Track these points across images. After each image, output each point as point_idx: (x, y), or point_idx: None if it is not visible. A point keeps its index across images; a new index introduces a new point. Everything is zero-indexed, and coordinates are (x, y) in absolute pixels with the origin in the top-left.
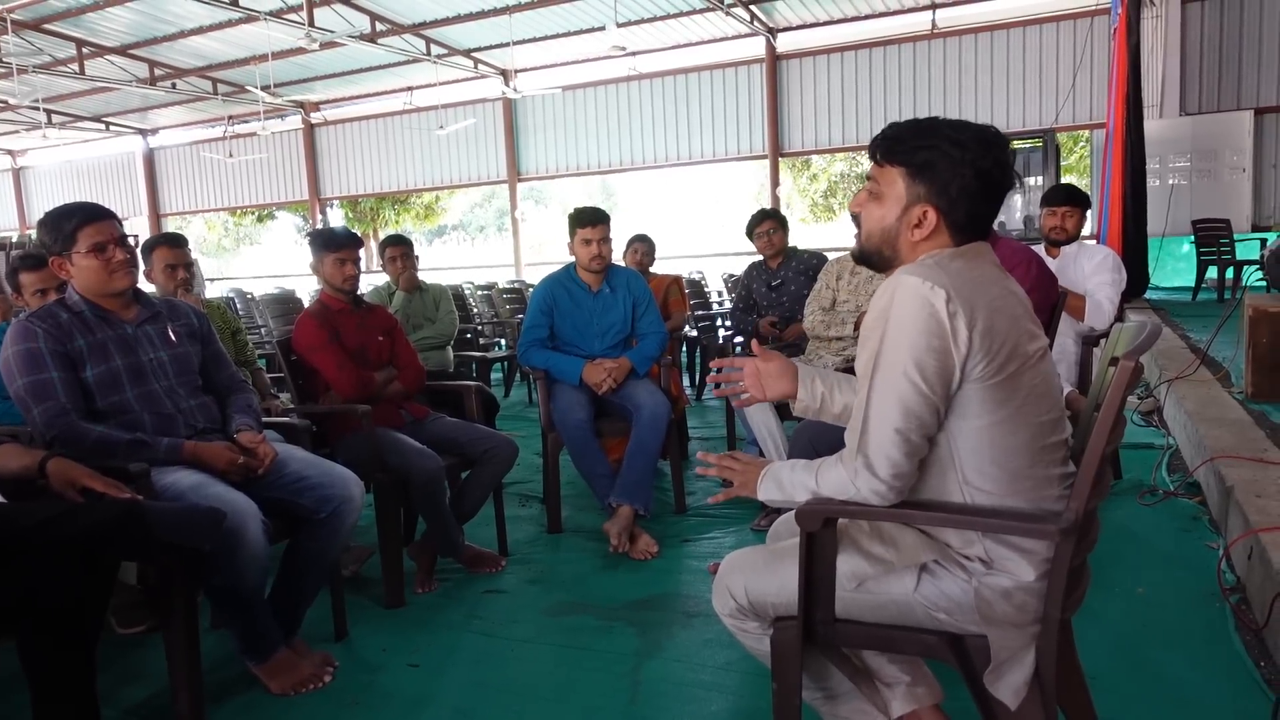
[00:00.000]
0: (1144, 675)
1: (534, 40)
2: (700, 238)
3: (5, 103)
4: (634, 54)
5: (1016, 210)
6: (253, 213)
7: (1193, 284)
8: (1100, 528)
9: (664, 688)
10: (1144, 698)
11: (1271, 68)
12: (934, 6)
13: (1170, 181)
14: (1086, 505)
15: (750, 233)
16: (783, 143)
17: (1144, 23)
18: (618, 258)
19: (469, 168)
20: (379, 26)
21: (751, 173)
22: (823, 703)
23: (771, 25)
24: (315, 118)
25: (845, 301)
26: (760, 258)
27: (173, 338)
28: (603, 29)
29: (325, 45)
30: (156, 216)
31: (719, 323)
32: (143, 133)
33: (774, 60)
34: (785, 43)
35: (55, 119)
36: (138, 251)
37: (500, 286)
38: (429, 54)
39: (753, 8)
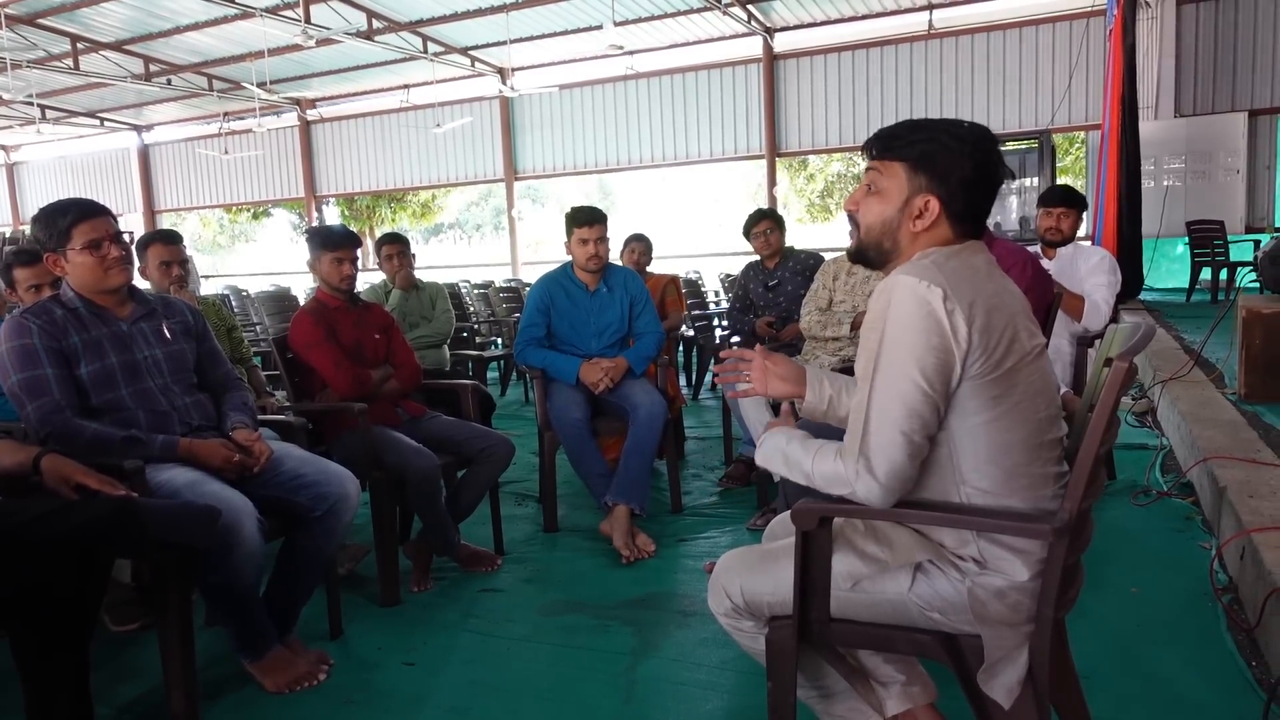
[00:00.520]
0: (1137, 674)
1: (531, 39)
2: (697, 237)
3: None
4: (631, 53)
5: (1012, 211)
6: (248, 210)
7: (1187, 285)
8: (1094, 528)
9: (660, 686)
10: (1137, 697)
11: (1266, 70)
12: (930, 7)
13: (1165, 183)
14: (1080, 505)
15: (747, 233)
16: (780, 142)
17: (1139, 24)
18: (615, 257)
19: (465, 166)
20: (375, 24)
21: (748, 172)
22: (818, 701)
23: (769, 25)
24: (311, 115)
25: (842, 302)
26: (757, 258)
27: (168, 335)
28: (600, 28)
29: (321, 42)
30: (151, 213)
31: (716, 322)
32: (137, 129)
33: (771, 60)
34: (782, 42)
35: (49, 114)
36: (133, 248)
37: (497, 285)
38: (426, 52)
39: (750, 7)
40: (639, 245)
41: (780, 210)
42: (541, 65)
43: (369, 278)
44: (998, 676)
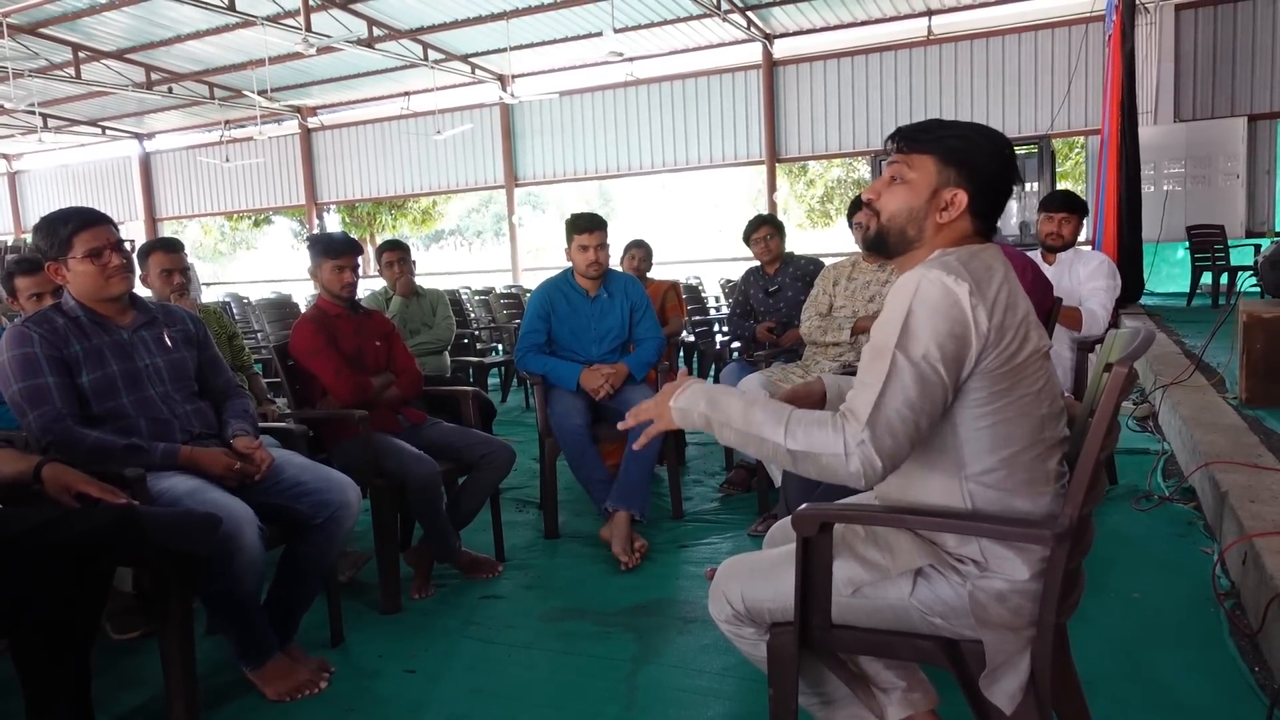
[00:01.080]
0: (1139, 680)
1: (531, 45)
2: (697, 243)
3: (1, 107)
4: (631, 60)
5: (1012, 216)
6: (249, 217)
7: (1187, 290)
8: (1095, 533)
9: (661, 693)
10: (1139, 702)
11: (1265, 74)
12: (930, 13)
13: (1165, 188)
14: (1081, 510)
15: (747, 238)
16: (779, 148)
17: (1138, 29)
18: (615, 263)
19: (466, 173)
20: (376, 31)
21: (748, 178)
22: (819, 708)
23: (768, 31)
24: (312, 122)
25: (842, 307)
26: (757, 263)
27: (169, 343)
28: (600, 35)
29: (322, 50)
30: (152, 221)
31: (716, 328)
32: (139, 137)
33: (771, 66)
34: (782, 49)
35: (51, 123)
36: (134, 256)
37: (497, 291)
38: (426, 59)
39: (750, 14)
40: (639, 251)
41: (780, 216)
42: (542, 72)
43: (370, 285)
44: (999, 682)
